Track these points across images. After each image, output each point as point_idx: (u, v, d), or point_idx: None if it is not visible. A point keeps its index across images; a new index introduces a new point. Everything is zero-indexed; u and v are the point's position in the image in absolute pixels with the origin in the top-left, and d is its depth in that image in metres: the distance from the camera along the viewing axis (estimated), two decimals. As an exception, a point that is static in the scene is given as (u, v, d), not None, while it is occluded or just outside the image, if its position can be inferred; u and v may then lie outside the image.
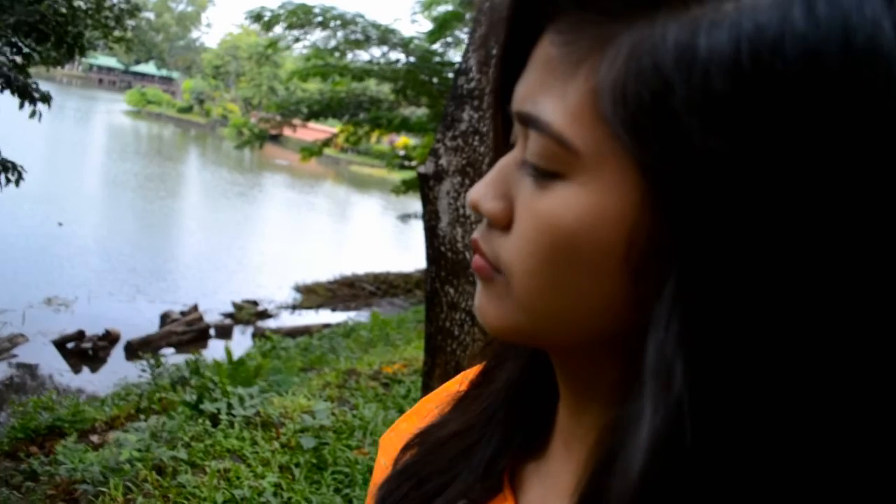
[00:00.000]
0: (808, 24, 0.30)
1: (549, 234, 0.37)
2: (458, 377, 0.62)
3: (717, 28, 0.31)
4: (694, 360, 0.32)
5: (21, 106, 6.35)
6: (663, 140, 0.32)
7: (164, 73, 71.90)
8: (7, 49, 6.35)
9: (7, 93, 6.32)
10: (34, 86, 6.44)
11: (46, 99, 6.52)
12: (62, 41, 6.42)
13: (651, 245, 0.34)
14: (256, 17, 11.76)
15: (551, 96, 0.37)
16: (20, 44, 6.25)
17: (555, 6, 0.38)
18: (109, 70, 75.46)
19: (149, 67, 72.76)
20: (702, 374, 0.32)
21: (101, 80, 75.65)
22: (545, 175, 0.38)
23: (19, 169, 6.30)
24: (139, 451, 3.43)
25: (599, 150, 0.35)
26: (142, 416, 5.11)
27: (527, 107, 0.39)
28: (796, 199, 0.31)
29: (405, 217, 14.64)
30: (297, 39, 12.44)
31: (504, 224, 0.41)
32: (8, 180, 6.22)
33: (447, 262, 3.79)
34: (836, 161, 0.30)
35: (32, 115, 6.44)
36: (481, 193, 0.43)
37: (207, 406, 3.88)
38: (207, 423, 3.76)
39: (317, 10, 11.54)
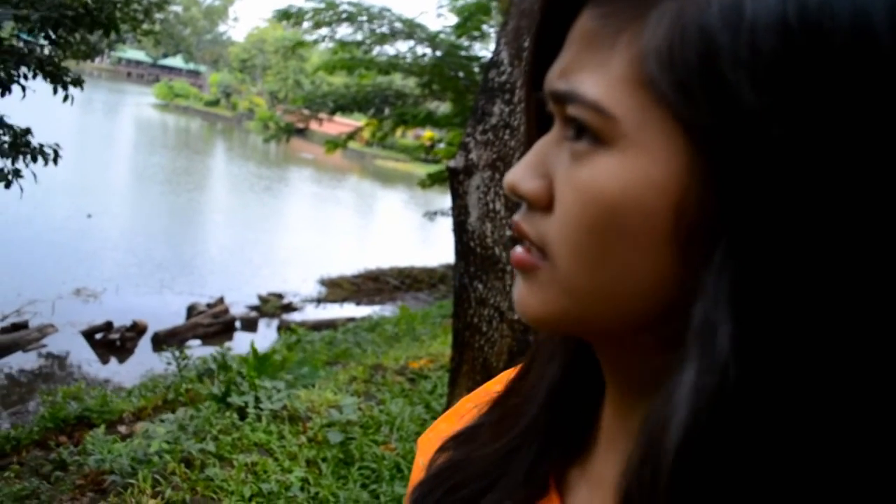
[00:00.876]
0: None
1: (594, 205, 0.36)
2: (498, 377, 0.60)
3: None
4: (741, 322, 0.32)
5: (55, 91, 6.43)
6: (712, 100, 0.32)
7: (191, 66, 72.52)
8: (41, 39, 6.43)
9: (40, 83, 6.39)
10: (66, 70, 6.53)
11: (79, 83, 6.60)
12: (95, 23, 6.45)
13: (699, 212, 0.34)
14: (284, 15, 11.78)
15: (588, 69, 0.37)
16: (51, 34, 6.31)
17: None
18: (138, 63, 76.32)
19: (176, 61, 73.45)
20: (748, 336, 0.32)
21: (129, 74, 76.53)
22: (588, 139, 0.37)
23: (55, 148, 6.37)
24: (168, 443, 3.44)
25: (641, 117, 0.35)
26: (169, 408, 5.14)
27: (562, 84, 0.38)
28: (844, 156, 0.31)
29: (431, 214, 14.61)
30: (324, 38, 12.46)
31: (545, 204, 0.40)
32: (46, 161, 6.29)
33: (476, 257, 3.75)
34: (884, 120, 0.30)
35: (65, 99, 6.51)
36: (519, 175, 0.41)
37: (235, 399, 3.88)
38: (235, 416, 3.77)
39: (343, 7, 11.55)
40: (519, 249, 0.42)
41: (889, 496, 0.33)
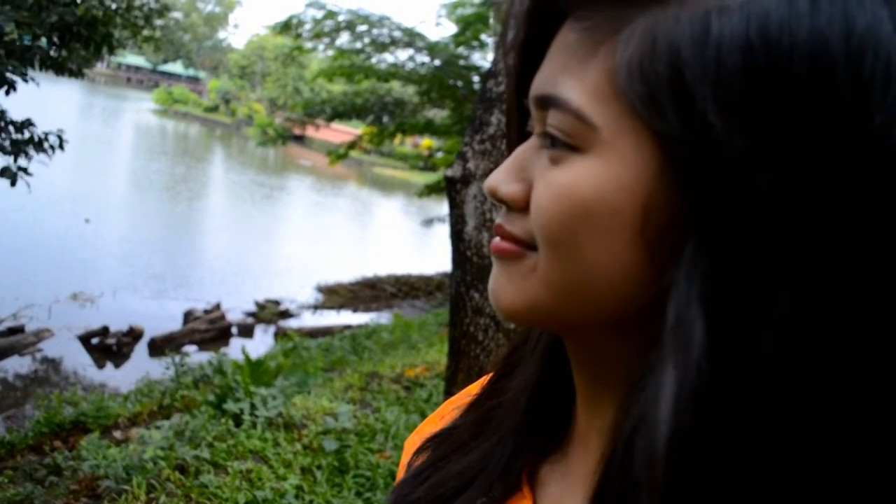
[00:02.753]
0: (813, 9, 0.33)
1: (568, 203, 0.39)
2: (479, 381, 0.61)
3: (729, 11, 0.34)
4: (713, 316, 0.34)
5: (59, 75, 6.51)
6: (679, 111, 0.35)
7: (191, 72, 72.62)
8: (43, 44, 6.46)
9: (40, 90, 6.42)
10: (68, 60, 6.61)
11: (80, 74, 6.67)
12: (90, 41, 6.51)
13: (666, 213, 0.37)
14: (285, 26, 11.81)
15: (571, 77, 0.39)
16: (55, 42, 6.36)
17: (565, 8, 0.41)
18: (137, 69, 76.39)
19: (176, 67, 73.54)
20: (720, 330, 0.34)
21: (128, 79, 76.58)
22: (563, 147, 0.40)
23: (59, 135, 6.39)
24: (162, 449, 3.43)
25: (616, 125, 0.38)
26: (164, 414, 5.14)
27: (546, 89, 0.41)
28: (803, 166, 0.33)
29: (428, 222, 14.63)
30: (325, 47, 12.50)
31: (522, 205, 0.43)
32: (52, 149, 6.30)
33: (473, 266, 3.76)
34: (837, 131, 0.33)
35: (71, 74, 6.59)
36: (499, 179, 0.44)
37: (230, 406, 3.88)
38: (230, 423, 3.77)
39: (343, 17, 11.59)
40: (500, 240, 0.44)
41: (868, 486, 0.35)
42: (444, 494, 0.53)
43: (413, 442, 0.62)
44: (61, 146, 6.37)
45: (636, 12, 0.37)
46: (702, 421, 0.34)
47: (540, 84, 0.42)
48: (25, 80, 6.09)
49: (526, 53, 0.46)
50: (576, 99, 0.39)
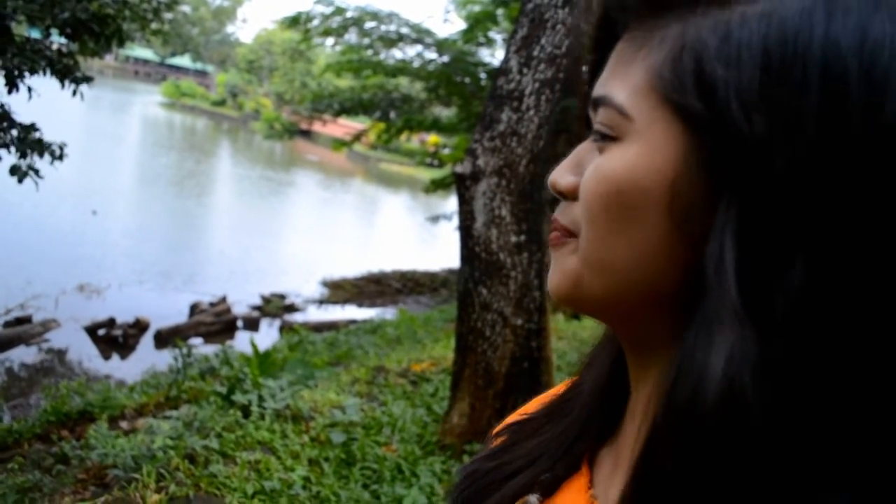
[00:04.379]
0: (828, 21, 0.39)
1: (605, 184, 0.45)
2: (566, 381, 0.67)
3: (749, 19, 0.40)
4: (743, 277, 0.39)
5: (63, 86, 6.49)
6: (703, 100, 0.40)
7: (198, 66, 72.68)
8: (55, 36, 6.48)
9: (46, 82, 6.44)
10: (77, 67, 6.62)
11: (87, 80, 6.68)
12: (101, 36, 6.54)
13: (691, 191, 0.41)
14: (293, 21, 11.82)
15: (615, 79, 0.46)
16: (65, 36, 6.38)
17: (626, 19, 0.47)
18: (145, 62, 76.48)
19: (184, 60, 73.62)
20: (756, 297, 0.38)
21: (136, 72, 76.69)
22: (607, 139, 0.46)
23: (60, 145, 6.44)
24: (172, 439, 3.46)
25: (649, 116, 0.43)
26: (171, 405, 5.17)
27: (597, 92, 0.47)
28: (811, 149, 0.38)
29: (434, 218, 14.64)
30: (334, 44, 12.50)
31: (574, 195, 0.49)
32: (52, 157, 6.35)
33: (481, 262, 3.78)
34: (847, 124, 0.37)
35: (74, 94, 6.58)
36: (558, 174, 0.51)
37: (239, 397, 3.91)
38: (238, 414, 3.79)
39: (351, 13, 11.59)
40: (553, 231, 0.51)
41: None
42: (510, 470, 0.59)
43: (496, 431, 0.67)
44: (61, 157, 6.42)
45: (670, 20, 0.44)
46: (753, 376, 0.38)
47: (594, 90, 0.48)
48: (24, 82, 6.13)
49: (593, 69, 0.51)
50: (617, 95, 0.45)
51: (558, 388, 0.66)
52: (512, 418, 0.66)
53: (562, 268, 0.49)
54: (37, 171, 6.20)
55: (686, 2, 0.43)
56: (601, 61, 0.50)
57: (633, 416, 0.53)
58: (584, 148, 0.50)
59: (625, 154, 0.44)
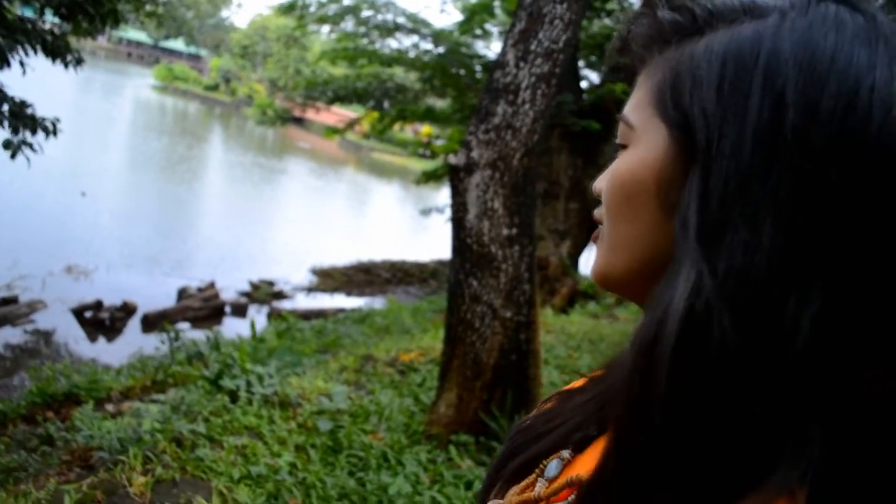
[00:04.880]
0: (774, 37, 0.50)
1: (615, 181, 0.57)
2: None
3: (715, 46, 0.52)
4: (703, 229, 0.48)
5: (53, 62, 6.46)
6: (677, 107, 0.52)
7: (192, 50, 72.12)
8: (48, 15, 6.43)
9: (38, 61, 6.40)
10: (69, 47, 6.58)
11: (79, 62, 6.63)
12: (95, 16, 6.49)
13: (673, 178, 0.52)
14: (288, 7, 11.75)
15: (631, 100, 0.59)
16: (59, 16, 6.34)
17: (642, 57, 0.59)
18: (139, 44, 75.82)
19: (177, 44, 73.03)
20: (709, 237, 0.47)
21: (129, 54, 76.01)
22: (621, 148, 0.58)
23: (53, 121, 6.40)
24: (159, 422, 3.46)
25: (645, 125, 0.55)
26: (157, 389, 5.16)
27: (624, 112, 0.59)
28: (753, 146, 0.47)
29: (427, 211, 14.65)
30: (330, 31, 12.44)
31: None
32: (47, 134, 6.31)
33: (472, 254, 3.79)
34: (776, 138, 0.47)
35: (66, 66, 6.56)
36: (597, 180, 0.63)
37: (227, 382, 3.91)
38: (226, 399, 3.79)
39: (347, 1, 11.53)
40: (596, 230, 0.63)
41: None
42: (550, 427, 0.68)
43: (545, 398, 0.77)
44: (55, 132, 6.38)
45: (663, 54, 0.56)
46: (693, 313, 0.46)
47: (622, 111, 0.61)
48: (19, 58, 6.08)
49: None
50: (626, 112, 0.58)
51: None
52: (562, 389, 0.76)
53: (597, 256, 0.61)
54: (31, 146, 6.16)
55: (669, 39, 0.56)
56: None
57: None
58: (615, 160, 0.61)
59: (628, 156, 0.57)
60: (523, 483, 0.65)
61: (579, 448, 0.63)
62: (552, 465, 0.63)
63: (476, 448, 3.88)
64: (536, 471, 0.64)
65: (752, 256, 0.46)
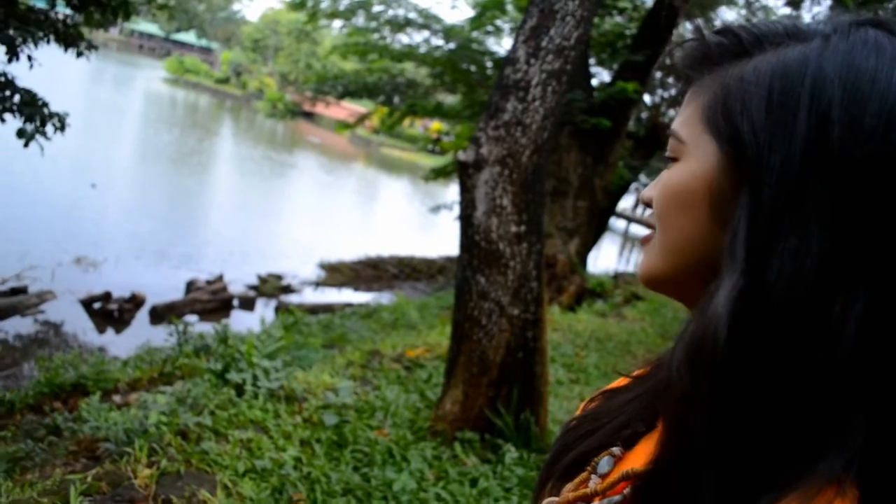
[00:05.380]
0: (819, 59, 0.54)
1: (667, 191, 0.62)
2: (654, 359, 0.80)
3: (763, 68, 0.56)
4: (754, 242, 0.52)
5: (66, 50, 6.49)
6: (728, 122, 0.56)
7: (203, 43, 72.21)
8: (57, 10, 6.46)
9: (49, 53, 6.42)
10: (81, 35, 6.61)
11: (91, 48, 6.67)
12: (107, 7, 6.52)
13: (724, 189, 0.56)
14: (300, 3, 11.73)
15: (680, 116, 0.63)
16: (71, 7, 6.37)
17: (692, 76, 0.64)
18: (150, 37, 76.00)
19: (189, 36, 73.14)
20: (757, 250, 0.52)
21: (141, 46, 76.22)
22: (670, 161, 0.63)
23: (62, 115, 6.43)
24: (165, 415, 3.46)
25: (696, 140, 0.60)
26: (164, 381, 5.17)
27: (672, 128, 0.64)
28: (796, 160, 0.52)
29: (436, 209, 14.64)
30: (341, 26, 12.43)
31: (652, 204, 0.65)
32: (55, 128, 6.34)
33: (480, 251, 3.78)
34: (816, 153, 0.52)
35: (79, 55, 6.58)
36: (646, 189, 0.67)
37: (233, 376, 3.91)
38: (232, 392, 3.79)
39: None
40: (644, 233, 0.67)
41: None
42: (598, 425, 0.72)
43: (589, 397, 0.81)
44: (62, 128, 6.41)
45: (712, 74, 0.60)
46: (744, 315, 0.50)
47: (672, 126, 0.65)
48: (29, 49, 6.11)
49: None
50: (677, 127, 0.63)
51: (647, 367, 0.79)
52: (607, 388, 0.80)
53: (646, 258, 0.65)
54: (44, 134, 6.19)
55: (719, 61, 0.60)
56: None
57: None
58: (665, 172, 0.65)
59: (679, 168, 0.61)
60: (576, 480, 0.68)
61: (629, 444, 0.67)
62: (604, 462, 0.67)
63: (481, 445, 3.87)
64: (588, 468, 0.68)
65: (802, 261, 0.50)
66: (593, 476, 0.67)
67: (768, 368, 0.49)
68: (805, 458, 0.48)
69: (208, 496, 2.82)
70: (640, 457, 0.64)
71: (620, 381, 0.78)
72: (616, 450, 0.67)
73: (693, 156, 0.59)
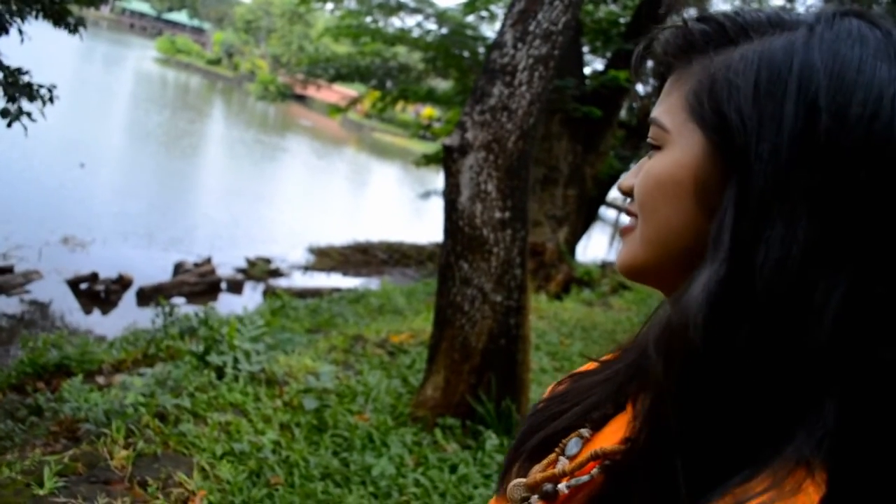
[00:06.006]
0: (805, 48, 0.54)
1: (650, 180, 0.61)
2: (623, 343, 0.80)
3: (749, 56, 0.56)
4: (739, 230, 0.52)
5: (55, 26, 6.42)
6: (714, 110, 0.56)
7: (195, 23, 71.66)
8: None
9: (39, 31, 6.35)
10: (70, 13, 6.54)
11: (80, 23, 6.60)
12: None
13: (710, 178, 0.56)
14: None
15: (660, 105, 0.63)
16: None
17: (672, 62, 0.64)
18: (142, 15, 75.31)
19: (181, 16, 72.54)
20: (742, 240, 0.52)
21: (132, 25, 75.51)
22: (653, 149, 0.62)
23: (49, 88, 6.36)
24: (143, 396, 3.44)
25: (680, 128, 0.59)
26: (148, 363, 5.15)
27: (653, 115, 0.63)
28: (786, 146, 0.52)
29: (426, 195, 14.58)
30: (333, 8, 12.34)
31: (632, 193, 0.65)
32: (42, 101, 6.28)
33: (464, 236, 3.76)
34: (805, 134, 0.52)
35: (71, 31, 6.51)
36: (624, 178, 0.67)
37: (214, 358, 3.89)
38: (213, 375, 3.77)
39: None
40: (624, 223, 0.66)
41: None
42: (565, 407, 0.72)
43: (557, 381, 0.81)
44: (51, 100, 6.34)
45: (697, 61, 0.60)
46: (723, 303, 0.51)
47: (651, 114, 0.64)
48: (18, 25, 6.03)
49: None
50: (659, 115, 0.62)
51: (616, 352, 0.79)
52: (574, 371, 0.80)
53: (626, 248, 0.64)
54: (28, 115, 6.13)
55: (705, 47, 0.60)
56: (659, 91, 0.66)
57: None
58: (644, 160, 0.65)
59: (663, 157, 0.60)
60: (544, 462, 0.68)
61: (598, 426, 0.68)
62: (572, 443, 0.67)
63: (462, 432, 3.87)
64: (557, 449, 0.68)
65: (788, 248, 0.51)
66: (561, 458, 0.67)
67: (745, 354, 0.50)
68: (776, 440, 0.49)
69: (184, 478, 2.81)
70: (609, 437, 0.64)
71: (590, 366, 0.78)
72: (585, 431, 0.68)
73: (677, 144, 0.59)
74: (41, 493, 2.58)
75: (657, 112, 0.62)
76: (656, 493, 0.53)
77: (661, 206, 0.59)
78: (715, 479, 0.49)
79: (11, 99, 6.08)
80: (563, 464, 0.66)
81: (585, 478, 0.62)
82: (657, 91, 0.67)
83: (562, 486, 0.63)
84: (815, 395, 0.50)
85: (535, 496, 0.66)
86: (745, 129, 0.53)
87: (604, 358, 0.77)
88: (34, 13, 6.24)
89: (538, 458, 0.70)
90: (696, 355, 0.51)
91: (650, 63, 0.68)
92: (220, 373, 3.85)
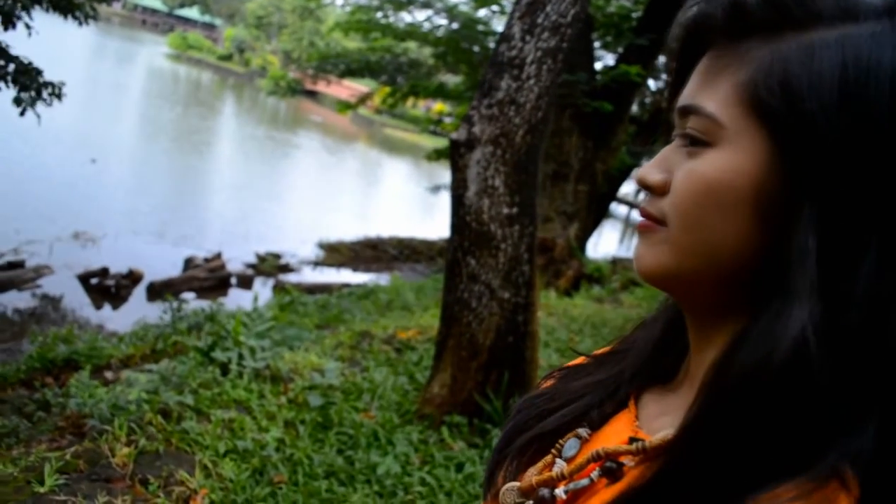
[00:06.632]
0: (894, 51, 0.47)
1: (699, 184, 0.53)
2: (614, 341, 0.76)
3: (828, 44, 0.49)
4: (825, 260, 0.47)
5: (65, 18, 6.43)
6: (791, 110, 0.49)
7: (206, 19, 71.78)
8: None
9: (49, 24, 6.36)
10: (79, 6, 6.56)
11: (91, 15, 6.61)
12: None
13: (775, 189, 0.49)
14: None
15: (706, 91, 0.54)
16: None
17: (712, 37, 0.55)
18: (153, 11, 75.50)
19: (192, 12, 72.69)
20: (830, 269, 0.47)
21: (144, 21, 75.72)
22: (698, 144, 0.54)
23: (58, 84, 6.38)
24: (147, 392, 3.42)
25: (739, 124, 0.51)
26: (157, 358, 5.14)
27: (688, 101, 0.55)
28: (882, 151, 0.47)
29: (436, 189, 14.52)
30: (343, 4, 12.33)
31: (663, 190, 0.57)
32: (52, 95, 6.30)
33: (471, 232, 3.71)
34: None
35: (79, 21, 6.53)
36: (647, 171, 0.59)
37: (219, 355, 3.86)
38: (217, 371, 3.75)
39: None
40: (643, 218, 0.58)
41: None
42: (557, 405, 0.68)
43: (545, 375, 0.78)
44: (59, 96, 6.35)
45: (754, 41, 0.52)
46: (823, 339, 0.46)
47: (683, 99, 0.56)
48: (24, 18, 6.04)
49: (675, 79, 0.61)
50: (708, 105, 0.53)
51: (606, 348, 0.75)
52: (562, 366, 0.76)
53: (653, 252, 0.57)
54: (44, 100, 6.15)
55: (771, 26, 0.51)
56: (680, 69, 0.59)
57: (691, 374, 0.61)
58: (670, 149, 0.57)
59: (717, 158, 0.52)
60: (540, 464, 0.65)
61: (596, 425, 0.64)
62: (569, 444, 0.64)
63: (469, 430, 3.83)
64: (553, 451, 0.64)
65: (883, 282, 0.47)
66: (558, 460, 0.63)
67: (825, 384, 0.47)
68: (815, 454, 0.47)
69: (186, 476, 2.79)
70: (610, 437, 0.62)
71: (578, 361, 0.75)
72: (583, 431, 0.64)
73: (737, 145, 0.51)
74: (41, 490, 2.56)
75: (703, 100, 0.54)
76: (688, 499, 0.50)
77: (711, 215, 0.52)
78: (750, 487, 0.47)
79: (24, 88, 6.09)
80: (561, 466, 0.62)
81: (585, 481, 0.58)
82: (677, 70, 0.60)
83: (559, 490, 0.60)
84: (858, 415, 0.47)
85: (530, 502, 0.62)
86: (832, 132, 0.47)
87: (594, 353, 0.74)
88: (44, 5, 6.25)
89: (526, 459, 0.66)
90: (782, 387, 0.47)
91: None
92: (224, 369, 3.83)
